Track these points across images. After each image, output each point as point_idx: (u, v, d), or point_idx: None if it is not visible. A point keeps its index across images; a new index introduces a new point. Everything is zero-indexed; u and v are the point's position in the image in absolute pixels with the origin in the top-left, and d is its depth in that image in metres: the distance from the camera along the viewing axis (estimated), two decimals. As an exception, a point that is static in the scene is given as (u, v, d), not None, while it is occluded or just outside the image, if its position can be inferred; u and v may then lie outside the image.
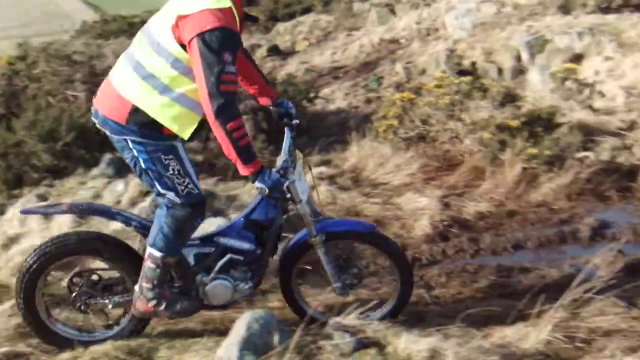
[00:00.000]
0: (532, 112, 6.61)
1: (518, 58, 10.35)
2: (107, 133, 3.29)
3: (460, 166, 6.79)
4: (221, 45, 2.96)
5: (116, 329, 3.62)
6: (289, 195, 3.45)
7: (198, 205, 3.37)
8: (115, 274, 3.61)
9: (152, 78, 3.13)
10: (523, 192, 6.15)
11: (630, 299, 4.13)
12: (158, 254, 3.30)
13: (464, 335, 3.52)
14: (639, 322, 3.91)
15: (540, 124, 6.52)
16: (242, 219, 3.62)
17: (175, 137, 3.25)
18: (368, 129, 7.68)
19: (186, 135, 3.25)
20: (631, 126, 7.28)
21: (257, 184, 3.19)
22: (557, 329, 3.58)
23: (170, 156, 3.23)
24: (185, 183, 3.27)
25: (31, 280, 3.40)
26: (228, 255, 3.55)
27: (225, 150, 3.10)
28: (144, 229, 3.50)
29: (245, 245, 3.57)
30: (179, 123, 3.20)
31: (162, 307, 3.41)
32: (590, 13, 11.34)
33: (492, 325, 3.77)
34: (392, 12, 16.53)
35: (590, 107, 7.30)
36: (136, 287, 3.43)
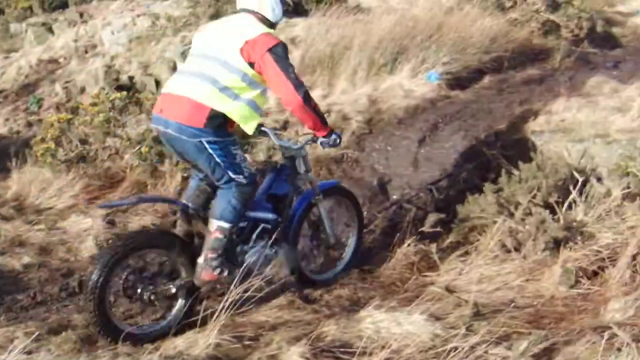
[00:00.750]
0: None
1: (175, 69, 10.53)
2: (183, 137, 3.99)
3: (122, 182, 6.76)
4: (286, 53, 4.09)
5: (167, 319, 4.08)
6: (303, 169, 4.64)
7: (255, 181, 4.28)
8: (164, 261, 4.11)
9: (227, 89, 4.01)
10: (186, 200, 6.32)
11: (294, 292, 4.58)
12: (227, 225, 4.09)
13: (134, 352, 3.61)
14: (302, 312, 4.33)
15: (197, 132, 6.73)
16: (262, 195, 4.48)
17: (234, 133, 4.20)
18: (29, 154, 7.29)
19: (251, 130, 4.18)
20: (284, 126, 7.86)
21: (334, 136, 4.47)
22: (226, 331, 3.80)
23: (236, 147, 4.14)
24: (247, 166, 4.19)
25: (104, 280, 3.71)
26: (261, 225, 4.40)
27: (311, 123, 4.27)
28: (197, 211, 4.22)
29: (269, 216, 4.41)
30: (247, 121, 4.12)
31: (225, 273, 4.11)
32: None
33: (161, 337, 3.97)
34: (50, 31, 15.76)
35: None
36: (200, 260, 4.09)
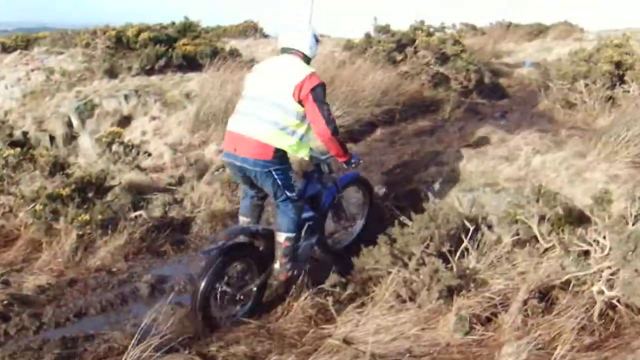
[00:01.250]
0: (82, 178, 6.64)
1: (70, 124, 10.36)
2: (257, 169, 4.94)
3: (17, 241, 6.50)
4: (324, 93, 4.97)
5: (246, 307, 5.24)
6: (327, 170, 5.83)
7: (302, 196, 5.40)
8: (244, 267, 5.27)
9: (285, 128, 4.89)
10: (81, 259, 6.14)
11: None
12: (292, 234, 5.22)
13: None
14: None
15: (91, 189, 6.61)
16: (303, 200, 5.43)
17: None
18: None
19: (307, 156, 5.24)
20: (179, 181, 7.82)
21: (353, 160, 5.51)
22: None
23: (292, 172, 5.14)
24: (296, 185, 5.20)
25: (210, 287, 4.87)
26: (307, 224, 5.58)
27: (335, 151, 5.22)
28: (264, 230, 5.35)
29: (310, 213, 5.66)
30: (302, 150, 5.11)
31: (295, 271, 5.31)
32: (135, 75, 11.83)
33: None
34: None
35: (139, 167, 7.63)
36: (276, 265, 5.25)
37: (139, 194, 7.18)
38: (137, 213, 6.70)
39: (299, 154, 5.12)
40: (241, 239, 5.32)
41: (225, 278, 5.10)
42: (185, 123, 9.33)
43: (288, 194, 5.10)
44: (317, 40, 5.26)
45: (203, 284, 4.84)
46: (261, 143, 4.86)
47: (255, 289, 5.27)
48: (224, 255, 5.01)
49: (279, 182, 5.02)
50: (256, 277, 5.27)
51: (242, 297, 5.20)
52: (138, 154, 7.68)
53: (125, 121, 10.12)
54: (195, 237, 6.87)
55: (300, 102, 4.86)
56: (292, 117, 4.89)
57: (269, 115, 4.89)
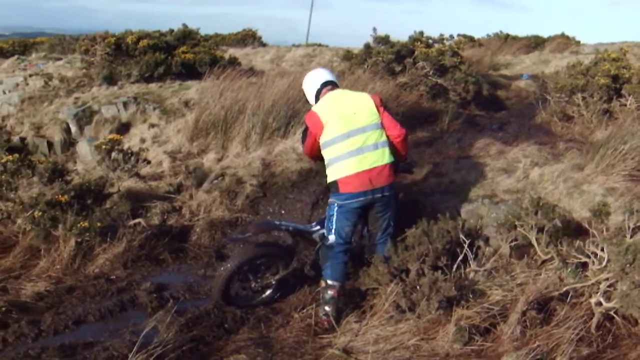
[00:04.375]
0: (81, 185, 6.66)
1: (68, 131, 10.36)
2: (386, 195, 5.27)
3: (15, 247, 6.49)
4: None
5: (267, 294, 5.66)
6: None
7: None
8: (268, 261, 5.60)
9: (385, 143, 5.27)
10: (80, 266, 6.16)
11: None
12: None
13: None
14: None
15: (90, 196, 6.61)
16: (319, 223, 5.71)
17: None
18: None
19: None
20: (178, 189, 7.82)
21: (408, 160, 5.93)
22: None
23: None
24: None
25: (231, 273, 5.35)
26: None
27: (405, 152, 5.54)
28: (294, 229, 5.64)
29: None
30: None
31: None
32: (134, 83, 11.85)
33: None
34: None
35: (138, 175, 7.64)
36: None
37: (137, 201, 7.19)
38: (136, 221, 6.70)
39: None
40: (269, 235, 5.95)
41: (249, 268, 5.49)
42: (184, 131, 9.33)
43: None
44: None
45: (228, 270, 5.33)
46: (381, 168, 5.25)
47: (274, 282, 5.63)
48: (253, 248, 5.52)
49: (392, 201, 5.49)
50: (278, 272, 5.61)
51: (261, 288, 5.62)
52: (137, 161, 7.68)
53: (124, 128, 10.12)
54: (194, 245, 6.88)
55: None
56: (383, 131, 5.31)
57: (371, 140, 5.26)
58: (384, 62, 11.72)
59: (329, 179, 5.29)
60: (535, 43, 22.82)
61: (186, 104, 10.41)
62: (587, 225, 5.30)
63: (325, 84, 5.49)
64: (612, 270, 4.66)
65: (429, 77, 11.73)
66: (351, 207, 5.22)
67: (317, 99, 5.52)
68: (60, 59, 14.96)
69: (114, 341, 4.88)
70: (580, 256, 4.97)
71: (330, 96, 5.40)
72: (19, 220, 6.63)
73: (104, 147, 7.49)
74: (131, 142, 9.42)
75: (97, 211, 6.41)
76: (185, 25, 14.23)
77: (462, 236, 5.20)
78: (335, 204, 5.26)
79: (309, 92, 5.63)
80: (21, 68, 14.29)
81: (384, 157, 5.20)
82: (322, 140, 5.24)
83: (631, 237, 4.91)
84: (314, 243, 5.61)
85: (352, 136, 5.13)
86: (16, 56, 15.90)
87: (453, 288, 4.71)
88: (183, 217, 7.25)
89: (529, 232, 5.33)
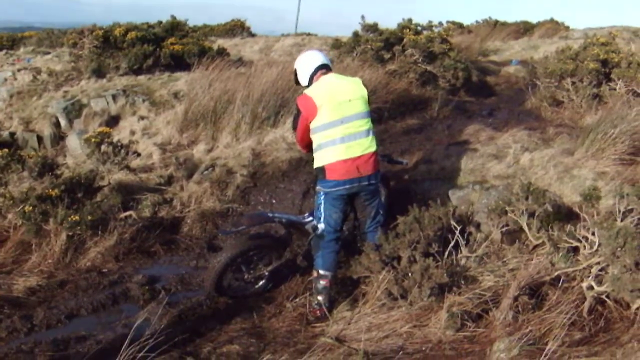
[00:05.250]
0: (71, 178, 6.63)
1: (57, 125, 10.30)
2: (372, 183, 5.32)
3: (6, 242, 6.47)
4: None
5: (259, 284, 5.69)
6: None
7: None
8: (261, 253, 5.61)
9: (372, 131, 5.32)
10: (72, 260, 6.15)
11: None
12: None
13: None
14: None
15: (80, 189, 6.59)
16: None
17: None
18: None
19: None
20: (169, 181, 7.79)
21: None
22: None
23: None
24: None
25: (225, 265, 5.34)
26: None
27: None
28: (286, 220, 5.61)
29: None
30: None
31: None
32: (123, 75, 11.76)
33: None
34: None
35: (128, 167, 7.60)
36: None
37: (128, 194, 7.15)
38: (127, 213, 6.67)
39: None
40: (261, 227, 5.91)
41: (242, 260, 5.51)
42: (174, 123, 9.28)
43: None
44: None
45: (221, 263, 5.33)
46: (369, 156, 5.28)
47: (267, 273, 5.68)
48: (246, 240, 5.52)
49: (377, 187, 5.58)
50: (271, 263, 5.66)
51: (254, 279, 5.66)
52: (127, 154, 7.63)
53: (113, 121, 10.06)
54: (186, 237, 6.87)
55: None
56: (370, 119, 5.37)
57: (360, 127, 5.29)
58: (372, 50, 11.68)
59: (316, 164, 5.25)
60: (525, 29, 22.78)
61: (175, 95, 10.36)
62: (577, 210, 5.31)
63: (320, 67, 5.42)
64: (603, 254, 4.67)
65: (418, 65, 11.71)
66: (337, 194, 5.22)
67: (310, 81, 5.46)
68: (48, 53, 14.84)
69: (107, 334, 4.92)
70: (571, 241, 4.98)
71: (325, 80, 5.34)
72: (10, 215, 6.61)
73: (93, 140, 7.43)
74: (121, 134, 9.37)
75: (88, 204, 6.38)
76: (173, 17, 14.16)
77: (453, 222, 5.21)
78: (322, 192, 5.25)
79: (303, 74, 5.51)
80: (9, 63, 14.15)
81: (372, 144, 5.23)
82: (314, 124, 5.19)
83: (622, 220, 4.92)
84: (307, 234, 5.59)
85: (346, 122, 5.12)
86: (4, 51, 15.77)
87: (445, 274, 4.73)
88: (174, 209, 7.22)
89: (519, 217, 5.33)
